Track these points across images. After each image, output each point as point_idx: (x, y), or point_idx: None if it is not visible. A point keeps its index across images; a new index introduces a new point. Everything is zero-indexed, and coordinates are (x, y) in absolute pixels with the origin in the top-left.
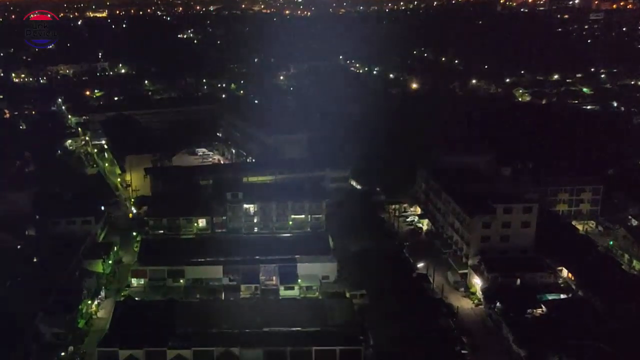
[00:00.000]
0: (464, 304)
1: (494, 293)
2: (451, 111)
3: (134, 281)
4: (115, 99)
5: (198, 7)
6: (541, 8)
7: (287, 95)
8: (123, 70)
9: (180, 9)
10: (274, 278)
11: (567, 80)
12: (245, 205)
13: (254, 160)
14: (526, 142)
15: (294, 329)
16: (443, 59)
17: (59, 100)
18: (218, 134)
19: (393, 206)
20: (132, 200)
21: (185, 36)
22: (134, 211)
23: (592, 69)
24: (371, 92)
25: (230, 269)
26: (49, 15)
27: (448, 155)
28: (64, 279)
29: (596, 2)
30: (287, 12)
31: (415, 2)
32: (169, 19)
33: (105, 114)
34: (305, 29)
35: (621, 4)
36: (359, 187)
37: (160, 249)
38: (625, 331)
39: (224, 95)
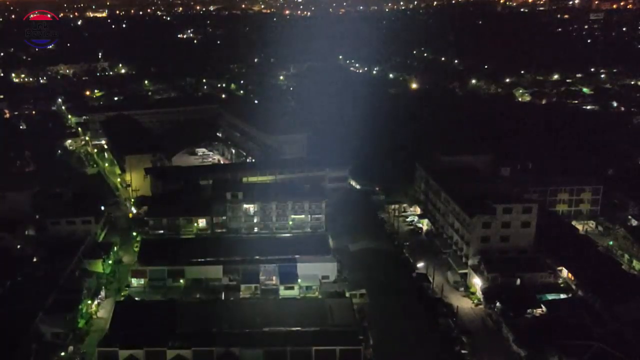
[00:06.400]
0: (464, 304)
1: (494, 293)
2: (451, 111)
3: (134, 281)
4: (115, 99)
5: (198, 7)
6: (541, 8)
7: (287, 95)
8: (123, 70)
9: (180, 9)
10: (274, 278)
11: (567, 80)
12: (245, 205)
13: (254, 160)
14: (526, 142)
15: (294, 329)
16: (443, 59)
17: (59, 100)
18: (218, 134)
19: (393, 206)
20: (132, 200)
21: (185, 36)
22: (134, 211)
23: (592, 69)
24: (371, 92)
25: (230, 269)
26: (49, 15)
27: (448, 155)
28: (64, 279)
29: (596, 2)
30: (287, 12)
31: (415, 2)
32: (169, 19)
33: (105, 114)
34: (305, 29)
35: (621, 4)
36: (358, 187)
37: (160, 249)
38: (625, 331)
39: (224, 95)
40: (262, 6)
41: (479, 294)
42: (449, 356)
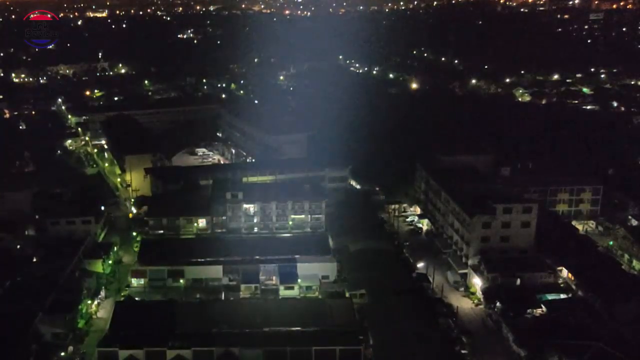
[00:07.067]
0: (464, 304)
1: (494, 293)
2: (451, 111)
3: (134, 281)
4: (115, 99)
5: (198, 7)
6: (541, 8)
7: (287, 95)
8: (123, 70)
9: (180, 9)
10: (274, 278)
11: (567, 80)
12: (245, 205)
13: (254, 160)
14: (526, 142)
15: (294, 329)
16: (443, 59)
17: (59, 100)
18: (218, 134)
19: (393, 206)
20: (132, 200)
21: (185, 36)
22: (134, 211)
23: (592, 69)
24: (371, 92)
25: (230, 269)
26: (49, 15)
27: (448, 155)
28: (64, 279)
29: (596, 2)
30: (287, 12)
31: (415, 2)
32: (169, 19)
33: (105, 114)
34: (305, 29)
35: (621, 4)
36: (358, 187)
37: (160, 249)
38: (625, 331)
39: (224, 95)
40: (262, 6)
41: (479, 294)
42: (449, 356)
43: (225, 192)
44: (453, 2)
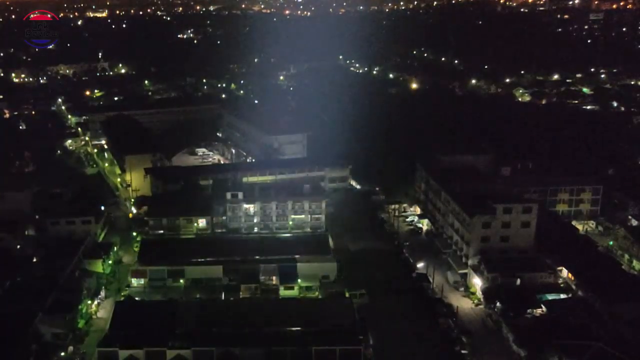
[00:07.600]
0: (464, 304)
1: (494, 293)
2: (451, 111)
3: (134, 281)
4: (115, 99)
5: (198, 7)
6: (541, 8)
7: (287, 95)
8: (123, 70)
9: (180, 9)
10: (274, 278)
11: (567, 80)
12: (245, 205)
13: (254, 160)
14: (526, 142)
15: (294, 329)
16: (443, 59)
17: (59, 100)
18: (218, 134)
19: (393, 206)
20: (132, 200)
21: (185, 36)
22: (134, 211)
23: (592, 69)
24: (371, 92)
25: (230, 269)
26: (49, 15)
27: (448, 155)
28: (64, 279)
29: (596, 2)
30: (287, 12)
31: (415, 2)
32: (169, 19)
33: (105, 114)
34: (305, 29)
35: (621, 4)
36: (358, 187)
37: (160, 249)
38: (625, 331)
39: (224, 95)
40: (262, 6)
41: (479, 294)
42: (449, 356)
43: (225, 192)
44: (453, 2)
